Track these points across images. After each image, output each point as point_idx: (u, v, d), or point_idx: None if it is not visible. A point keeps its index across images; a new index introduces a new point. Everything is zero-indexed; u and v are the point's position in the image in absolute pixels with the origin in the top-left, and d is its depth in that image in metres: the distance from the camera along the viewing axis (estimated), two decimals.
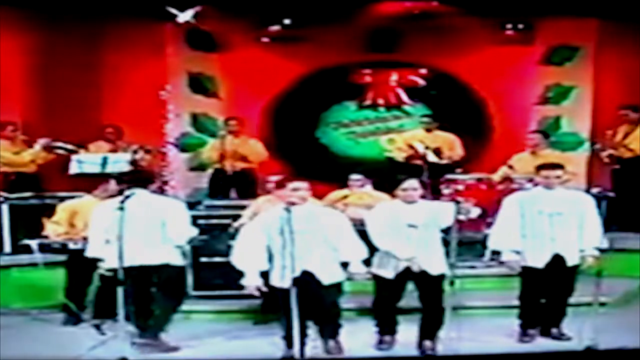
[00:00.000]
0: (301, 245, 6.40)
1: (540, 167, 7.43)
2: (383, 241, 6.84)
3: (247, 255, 6.67)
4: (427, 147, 10.55)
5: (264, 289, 6.63)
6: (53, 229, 8.03)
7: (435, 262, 6.80)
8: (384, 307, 7.06)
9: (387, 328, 7.10)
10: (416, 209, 6.86)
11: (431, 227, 6.83)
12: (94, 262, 7.74)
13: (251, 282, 6.61)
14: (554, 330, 7.27)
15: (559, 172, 7.25)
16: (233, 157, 10.79)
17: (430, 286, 6.79)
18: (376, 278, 6.99)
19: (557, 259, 7.10)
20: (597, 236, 7.06)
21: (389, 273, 6.88)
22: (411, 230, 6.81)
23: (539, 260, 7.11)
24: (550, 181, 7.19)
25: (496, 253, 7.40)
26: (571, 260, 7.11)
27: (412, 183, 6.93)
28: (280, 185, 7.24)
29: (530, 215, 7.14)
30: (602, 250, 6.99)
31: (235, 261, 6.71)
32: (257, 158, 11.06)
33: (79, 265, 7.88)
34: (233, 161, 10.78)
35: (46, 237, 8.00)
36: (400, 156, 10.96)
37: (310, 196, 6.85)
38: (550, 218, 7.09)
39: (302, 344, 6.37)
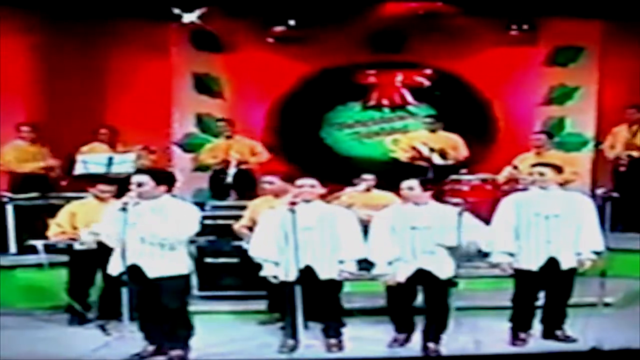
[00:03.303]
0: (305, 241, 6.62)
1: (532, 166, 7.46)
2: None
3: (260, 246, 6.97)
4: (431, 149, 10.53)
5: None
6: (54, 230, 8.05)
7: (443, 266, 6.78)
8: (397, 309, 7.09)
9: (402, 327, 7.13)
10: (422, 210, 6.88)
11: (437, 229, 6.79)
12: (97, 263, 7.80)
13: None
14: (559, 333, 7.24)
15: (543, 170, 7.16)
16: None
17: (437, 289, 6.79)
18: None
19: (552, 262, 7.01)
20: (595, 239, 7.01)
21: (400, 277, 6.89)
22: (415, 232, 6.83)
23: (533, 262, 7.03)
24: (535, 178, 7.14)
25: (486, 255, 7.35)
26: (566, 264, 7.01)
27: (409, 182, 6.95)
28: (288, 180, 7.45)
29: (526, 217, 7.05)
30: (607, 250, 6.97)
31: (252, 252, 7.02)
32: (257, 159, 11.07)
33: (82, 265, 7.91)
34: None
35: (48, 238, 8.01)
36: (404, 157, 10.94)
37: (318, 193, 6.99)
38: (547, 220, 6.99)
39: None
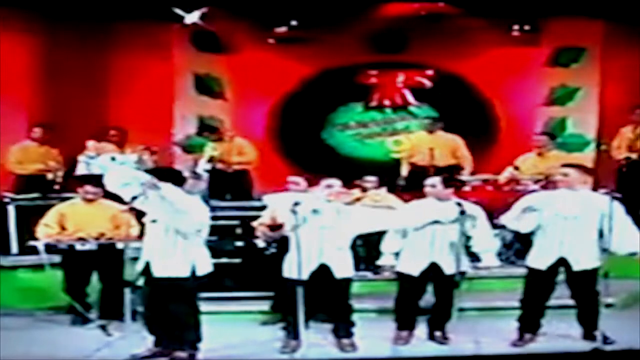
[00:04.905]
0: (321, 239, 6.77)
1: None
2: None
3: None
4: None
5: None
6: (43, 231, 8.03)
7: (452, 261, 6.82)
8: (405, 303, 7.17)
9: (406, 324, 7.20)
10: (446, 206, 6.96)
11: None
12: (90, 262, 7.80)
13: None
14: (597, 333, 7.09)
15: (567, 170, 7.08)
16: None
17: (446, 282, 6.88)
18: (400, 275, 7.14)
19: (563, 263, 6.98)
20: (635, 237, 6.94)
21: (414, 270, 7.00)
22: (436, 226, 6.95)
23: (542, 262, 7.02)
24: (557, 179, 7.12)
25: None
26: (577, 265, 6.94)
27: (432, 180, 7.12)
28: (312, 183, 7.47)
29: (547, 216, 7.00)
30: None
31: None
32: (247, 158, 10.99)
33: (75, 265, 7.90)
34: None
35: (37, 238, 7.98)
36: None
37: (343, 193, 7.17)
38: (565, 221, 6.92)
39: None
